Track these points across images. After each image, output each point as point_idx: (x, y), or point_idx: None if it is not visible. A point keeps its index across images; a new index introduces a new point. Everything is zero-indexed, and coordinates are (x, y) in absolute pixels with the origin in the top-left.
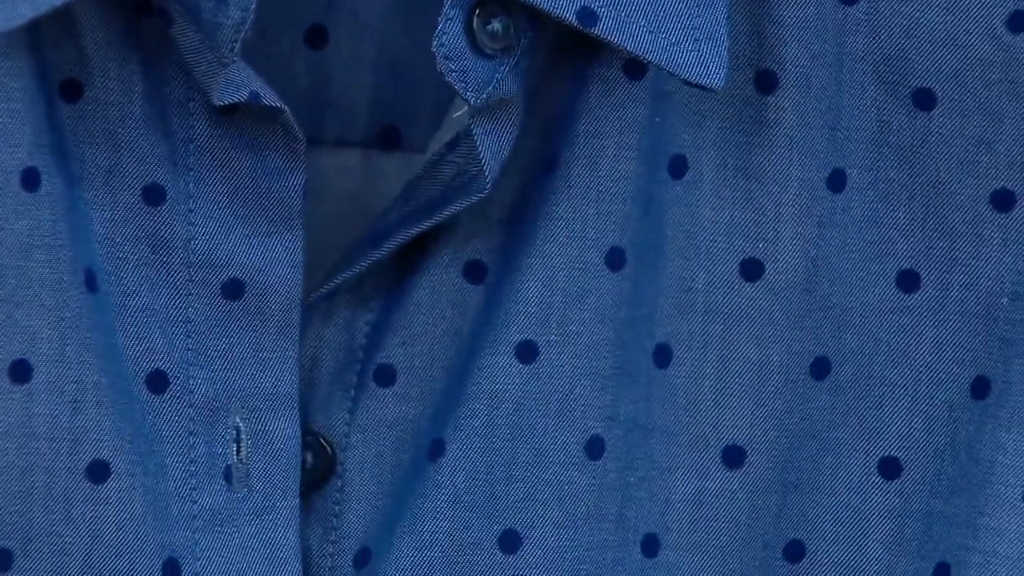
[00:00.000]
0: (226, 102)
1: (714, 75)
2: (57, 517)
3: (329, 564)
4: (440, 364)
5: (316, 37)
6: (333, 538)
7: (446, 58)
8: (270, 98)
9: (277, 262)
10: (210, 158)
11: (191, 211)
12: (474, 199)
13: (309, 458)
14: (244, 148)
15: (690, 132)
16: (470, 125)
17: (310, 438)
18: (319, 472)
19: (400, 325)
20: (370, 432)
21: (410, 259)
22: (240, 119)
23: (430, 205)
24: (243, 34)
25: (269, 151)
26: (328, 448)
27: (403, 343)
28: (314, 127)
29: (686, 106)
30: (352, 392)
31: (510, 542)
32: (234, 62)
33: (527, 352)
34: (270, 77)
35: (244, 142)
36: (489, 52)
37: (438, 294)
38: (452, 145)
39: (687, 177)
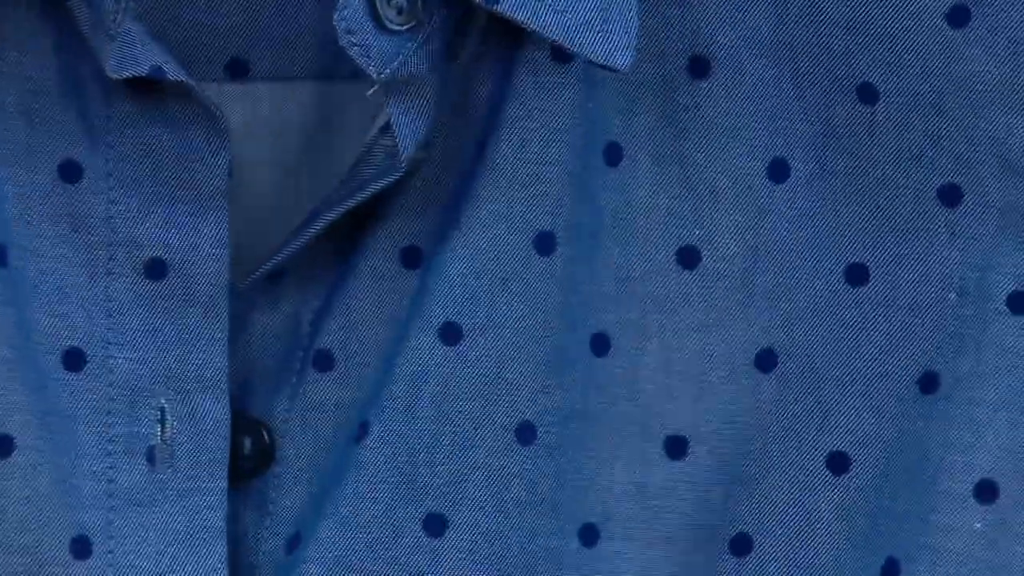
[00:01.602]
0: (122, 76)
1: (621, 56)
2: None
3: (262, 548)
4: (375, 348)
5: None
6: (267, 523)
7: (347, 31)
8: (174, 72)
9: (201, 243)
10: (131, 135)
11: (111, 189)
12: (390, 179)
13: (248, 444)
14: (165, 125)
15: (622, 120)
16: (385, 102)
17: (248, 424)
18: (257, 458)
19: (340, 311)
20: (309, 417)
21: (352, 246)
22: (160, 96)
23: (358, 187)
24: (125, 6)
25: (191, 128)
26: (266, 434)
27: (342, 328)
28: (329, 63)
29: (618, 93)
30: (293, 379)
31: (435, 525)
32: (119, 36)
33: (451, 334)
34: (278, 16)
35: (165, 119)
36: (394, 28)
37: (376, 279)
38: (384, 129)
39: (622, 164)
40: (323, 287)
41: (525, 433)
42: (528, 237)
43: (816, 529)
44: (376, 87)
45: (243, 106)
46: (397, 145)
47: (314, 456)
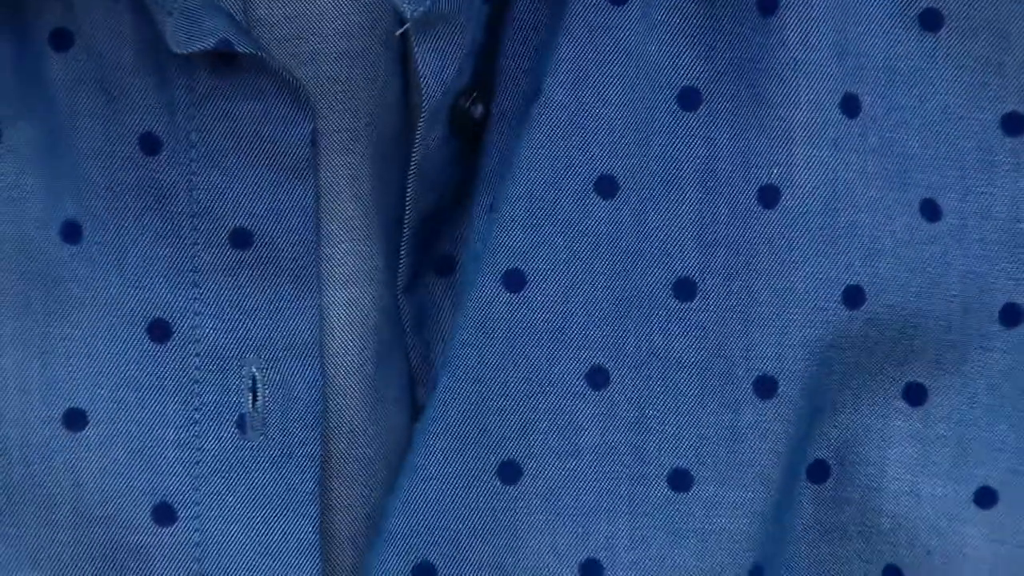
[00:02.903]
0: (187, 51)
1: None
2: (36, 468)
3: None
4: (448, 299)
5: None
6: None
7: None
8: (242, 44)
9: (286, 212)
10: (211, 106)
11: (193, 160)
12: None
13: None
14: (247, 97)
15: (701, 63)
16: (413, 41)
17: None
18: None
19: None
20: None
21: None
22: (240, 66)
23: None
24: None
25: (270, 99)
26: None
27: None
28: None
29: (690, 37)
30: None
31: (509, 473)
32: (175, 9)
33: (515, 281)
34: None
35: (246, 90)
36: None
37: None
38: None
39: (702, 109)
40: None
41: (597, 378)
42: (588, 180)
43: (887, 456)
44: (406, 26)
45: None
46: (421, 84)
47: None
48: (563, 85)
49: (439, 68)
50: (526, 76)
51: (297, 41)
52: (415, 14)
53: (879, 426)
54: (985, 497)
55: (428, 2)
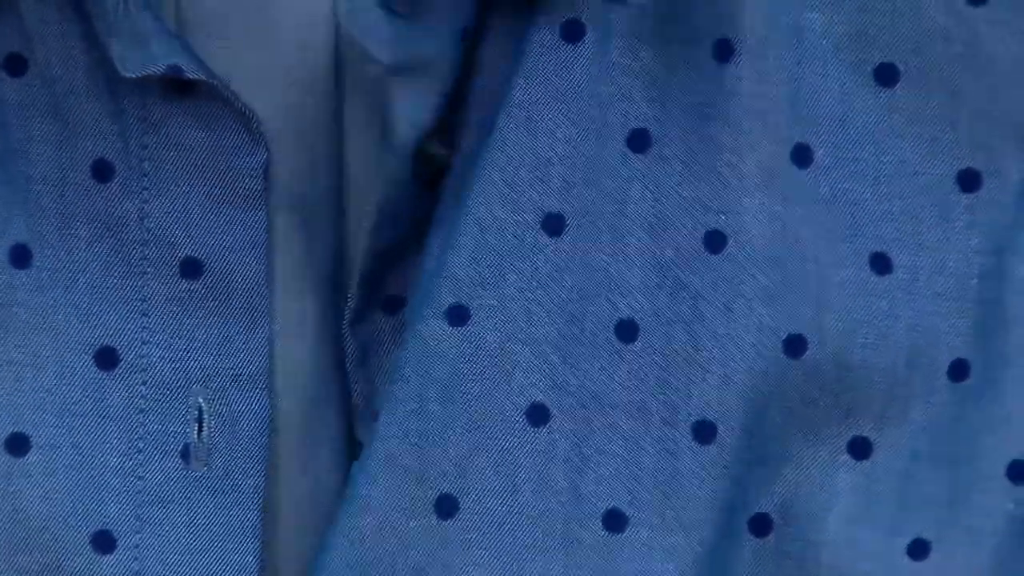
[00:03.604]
0: (135, 75)
1: None
2: None
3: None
4: (393, 337)
5: None
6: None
7: (351, 12)
8: (192, 70)
9: (238, 245)
10: (165, 135)
11: (145, 188)
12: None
13: None
14: (199, 125)
15: (654, 107)
16: (389, 85)
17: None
18: None
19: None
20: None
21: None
22: (194, 95)
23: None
24: (123, 5)
25: (224, 128)
26: None
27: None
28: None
29: (644, 79)
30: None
31: (447, 507)
32: (120, 33)
33: (458, 315)
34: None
35: (199, 119)
36: (402, 11)
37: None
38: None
39: (652, 151)
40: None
41: (537, 415)
42: (536, 218)
43: (833, 510)
44: (380, 71)
45: None
46: (397, 131)
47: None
48: (516, 122)
49: (415, 113)
50: (485, 116)
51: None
52: (387, 61)
53: (824, 480)
54: (918, 549)
55: (406, 49)
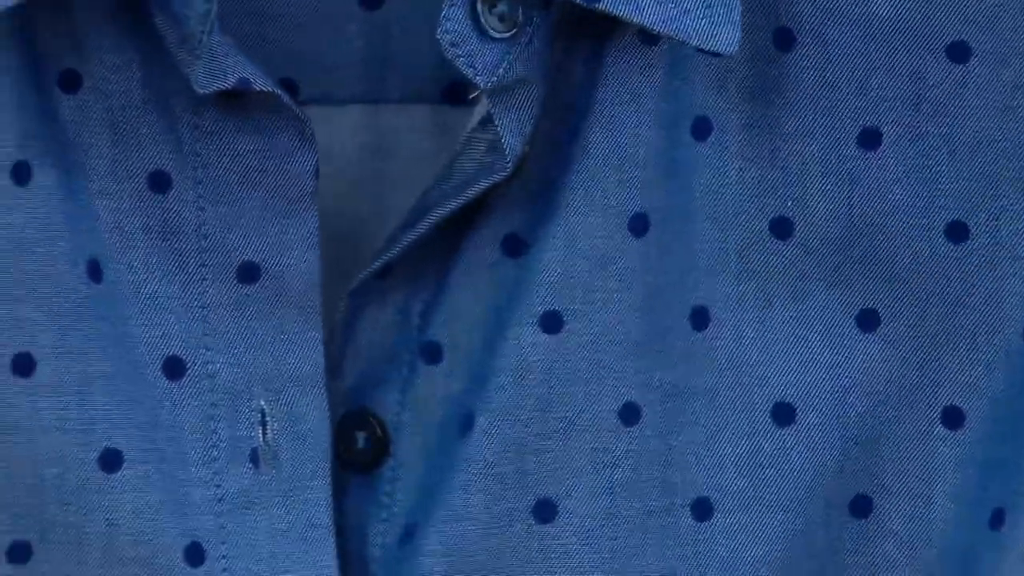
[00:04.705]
0: (209, 91)
1: (727, 41)
2: (72, 508)
3: (378, 543)
4: (480, 339)
5: None
6: (383, 516)
7: (452, 44)
8: (261, 83)
9: (292, 244)
10: (217, 142)
11: (200, 196)
12: (498, 178)
13: (361, 439)
14: (252, 132)
15: (713, 93)
16: (489, 106)
17: (362, 419)
18: (372, 453)
19: (446, 303)
20: (420, 410)
21: (456, 237)
22: (246, 103)
23: (464, 183)
24: (210, 25)
25: (277, 133)
26: (380, 429)
27: (448, 320)
28: (376, 87)
29: (707, 67)
30: (404, 372)
31: (545, 512)
32: (203, 53)
33: (552, 322)
34: (324, 41)
35: (252, 126)
36: (497, 36)
37: (479, 270)
38: (484, 122)
39: (712, 138)
40: (430, 279)
41: (630, 414)
42: (623, 220)
43: (934, 486)
44: (478, 92)
45: None
46: (502, 143)
47: (426, 449)
48: (598, 125)
49: (517, 128)
50: (560, 114)
51: None
52: (489, 85)
53: (922, 454)
54: (997, 519)
55: (500, 72)
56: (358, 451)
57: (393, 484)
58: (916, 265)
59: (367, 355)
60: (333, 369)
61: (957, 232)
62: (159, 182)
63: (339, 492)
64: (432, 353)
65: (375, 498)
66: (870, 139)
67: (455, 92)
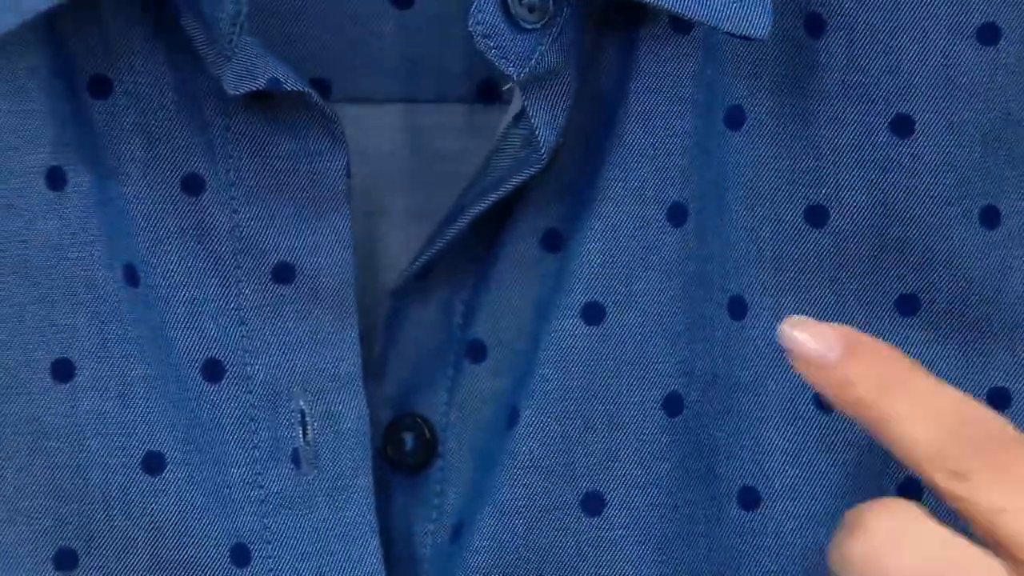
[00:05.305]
0: (240, 92)
1: (759, 26)
2: (117, 512)
3: (430, 542)
4: (523, 334)
5: None
6: (434, 516)
7: (484, 36)
8: (292, 83)
9: (326, 244)
10: (249, 144)
11: (233, 198)
12: (533, 170)
13: (410, 440)
14: (283, 132)
15: (745, 82)
16: (522, 98)
17: (409, 420)
18: (420, 453)
19: (487, 300)
20: (467, 409)
21: (495, 233)
22: (277, 104)
23: (500, 179)
24: (240, 26)
25: (308, 133)
26: (428, 429)
27: (491, 317)
28: (410, 87)
29: (739, 56)
30: (450, 371)
31: (593, 504)
32: (234, 54)
33: (594, 314)
34: (357, 40)
35: (282, 126)
36: (528, 27)
37: (520, 265)
38: (518, 118)
39: (745, 127)
40: (471, 277)
41: (673, 404)
42: (662, 210)
43: None
44: (510, 84)
45: None
46: (536, 136)
47: (474, 446)
48: (633, 117)
49: (550, 119)
50: (594, 106)
51: None
52: (520, 77)
53: None
54: None
55: (532, 63)
56: (406, 452)
57: (443, 484)
58: (951, 249)
59: (411, 355)
60: (377, 370)
61: (991, 218)
62: (192, 185)
63: (383, 493)
64: (477, 351)
65: (424, 498)
66: (903, 126)
67: (488, 90)
